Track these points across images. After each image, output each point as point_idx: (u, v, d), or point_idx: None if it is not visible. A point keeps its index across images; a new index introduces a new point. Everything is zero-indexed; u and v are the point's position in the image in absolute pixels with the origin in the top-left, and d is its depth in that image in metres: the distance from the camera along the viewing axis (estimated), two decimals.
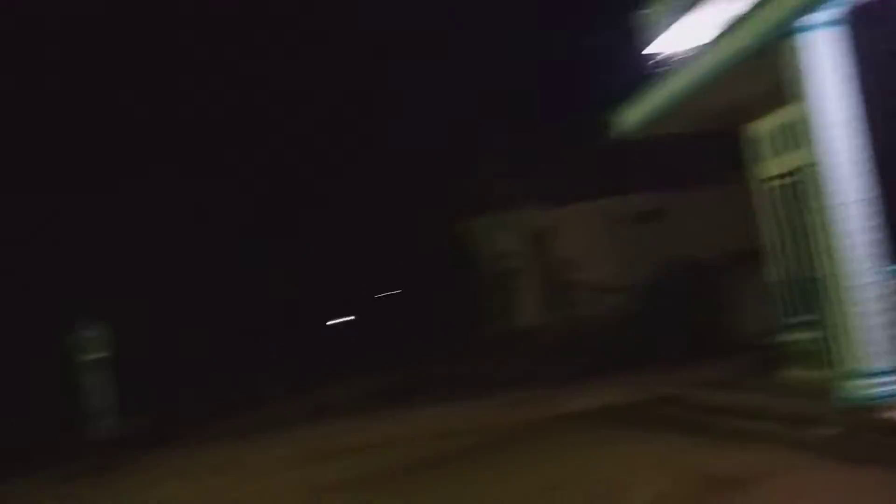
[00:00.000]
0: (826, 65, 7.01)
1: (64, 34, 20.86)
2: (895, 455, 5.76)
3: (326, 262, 25.41)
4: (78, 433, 14.25)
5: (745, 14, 7.66)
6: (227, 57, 22.94)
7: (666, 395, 9.87)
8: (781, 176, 8.86)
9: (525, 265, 18.79)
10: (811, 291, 8.05)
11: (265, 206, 24.44)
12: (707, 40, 8.79)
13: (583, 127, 13.61)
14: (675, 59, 10.42)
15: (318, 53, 23.46)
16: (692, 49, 9.66)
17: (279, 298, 24.34)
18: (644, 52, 11.04)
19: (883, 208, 6.95)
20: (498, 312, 19.66)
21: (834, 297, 7.08)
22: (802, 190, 7.98)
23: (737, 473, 6.02)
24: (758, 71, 7.75)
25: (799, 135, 7.78)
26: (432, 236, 21.86)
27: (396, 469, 8.67)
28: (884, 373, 6.69)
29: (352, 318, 28.33)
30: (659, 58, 10.95)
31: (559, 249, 17.61)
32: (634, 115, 10.21)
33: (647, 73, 10.76)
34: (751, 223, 9.62)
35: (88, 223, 20.86)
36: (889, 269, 6.97)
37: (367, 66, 23.73)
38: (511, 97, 20.47)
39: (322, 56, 23.43)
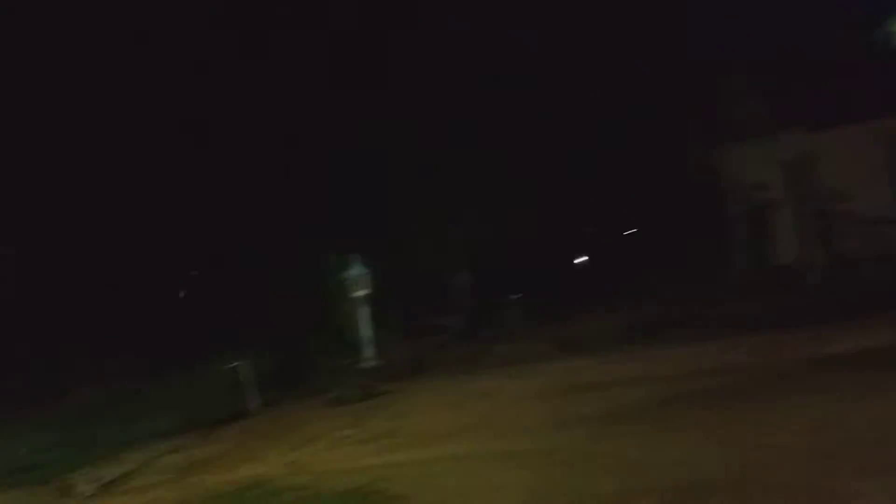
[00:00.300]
0: None
1: None
2: None
3: (565, 198, 25.01)
4: (347, 363, 15.47)
5: None
6: None
7: None
8: None
9: (784, 197, 17.56)
10: None
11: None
12: None
13: (851, 38, 12.32)
14: None
15: None
16: None
17: (528, 236, 24.45)
18: None
19: None
20: (752, 249, 18.62)
21: None
22: None
23: None
24: None
25: None
26: (678, 168, 20.84)
27: (646, 405, 8.60)
28: None
29: (586, 257, 27.95)
30: None
31: (823, 178, 16.30)
32: None
33: None
34: None
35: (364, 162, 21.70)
36: None
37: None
38: (765, 4, 18.63)
39: None
